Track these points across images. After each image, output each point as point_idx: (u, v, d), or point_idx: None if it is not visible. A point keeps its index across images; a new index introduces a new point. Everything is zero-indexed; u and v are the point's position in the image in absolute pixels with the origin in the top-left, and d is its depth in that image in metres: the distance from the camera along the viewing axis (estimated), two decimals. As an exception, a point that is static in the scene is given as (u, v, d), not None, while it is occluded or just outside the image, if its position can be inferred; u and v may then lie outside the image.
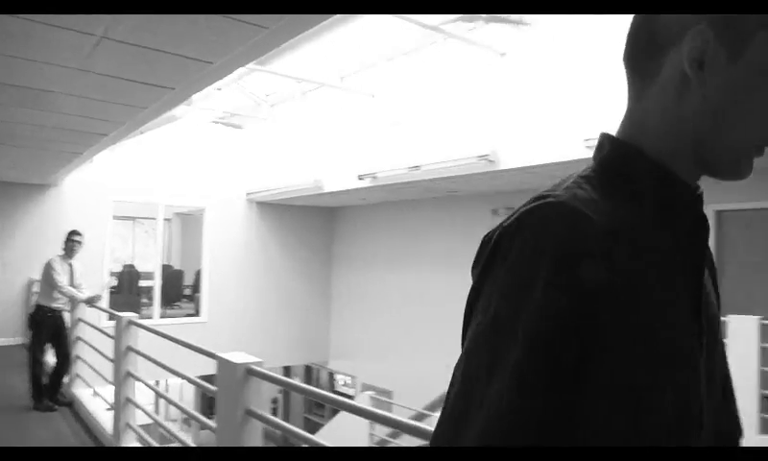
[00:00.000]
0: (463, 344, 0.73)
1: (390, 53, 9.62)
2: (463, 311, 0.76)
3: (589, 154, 0.83)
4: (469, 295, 0.74)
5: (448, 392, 0.70)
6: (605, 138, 0.81)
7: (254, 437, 3.14)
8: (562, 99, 7.06)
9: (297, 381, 16.02)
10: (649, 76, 0.77)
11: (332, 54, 9.68)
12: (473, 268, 0.75)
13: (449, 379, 0.71)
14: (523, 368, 0.63)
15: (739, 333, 5.50)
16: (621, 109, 0.83)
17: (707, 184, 0.81)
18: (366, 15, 7.34)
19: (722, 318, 1.12)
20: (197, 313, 12.72)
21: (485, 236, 0.75)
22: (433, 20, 7.85)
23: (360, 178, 9.46)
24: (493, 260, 0.70)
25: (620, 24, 0.90)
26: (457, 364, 0.70)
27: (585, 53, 6.89)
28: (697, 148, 0.75)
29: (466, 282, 0.73)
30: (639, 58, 0.78)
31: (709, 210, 5.63)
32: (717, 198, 7.69)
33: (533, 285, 0.64)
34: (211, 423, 3.64)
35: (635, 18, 0.78)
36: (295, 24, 3.40)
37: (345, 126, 10.49)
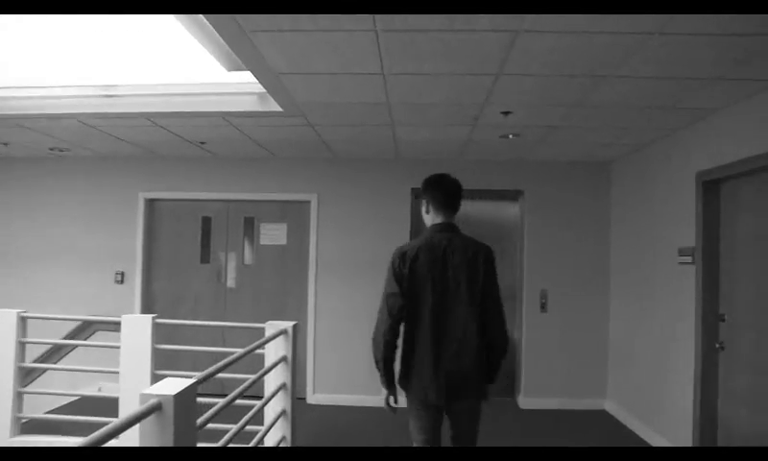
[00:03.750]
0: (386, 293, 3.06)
1: None
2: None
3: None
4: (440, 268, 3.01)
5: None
6: (451, 223, 3.15)
7: None
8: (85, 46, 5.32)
9: None
10: (424, 212, 3.25)
11: None
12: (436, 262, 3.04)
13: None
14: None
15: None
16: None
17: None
18: None
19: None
20: None
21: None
22: None
23: None
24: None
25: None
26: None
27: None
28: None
29: None
30: (421, 212, 3.30)
31: (140, 198, 6.03)
32: (147, 188, 7.08)
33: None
34: None
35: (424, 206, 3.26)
36: None
37: None
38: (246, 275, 6.99)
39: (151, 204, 7.08)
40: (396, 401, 3.07)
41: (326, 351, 6.76)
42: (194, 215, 7.06)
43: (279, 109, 4.51)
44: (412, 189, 6.76)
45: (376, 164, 6.81)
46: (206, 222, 7.06)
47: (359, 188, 6.84)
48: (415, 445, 3.10)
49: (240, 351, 3.59)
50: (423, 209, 3.23)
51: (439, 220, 3.11)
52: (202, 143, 6.03)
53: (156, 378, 4.82)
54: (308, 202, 6.86)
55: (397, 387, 3.07)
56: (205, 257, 7.05)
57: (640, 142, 5.53)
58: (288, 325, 4.54)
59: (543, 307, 6.68)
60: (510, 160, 6.71)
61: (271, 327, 4.51)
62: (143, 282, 7.00)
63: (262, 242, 6.99)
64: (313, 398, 6.75)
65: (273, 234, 6.96)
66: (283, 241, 6.94)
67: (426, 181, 3.21)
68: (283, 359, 4.50)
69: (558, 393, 6.64)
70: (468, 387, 2.96)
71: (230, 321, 6.79)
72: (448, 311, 2.96)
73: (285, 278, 6.94)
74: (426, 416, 3.04)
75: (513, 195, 6.96)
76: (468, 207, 7.05)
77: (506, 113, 4.49)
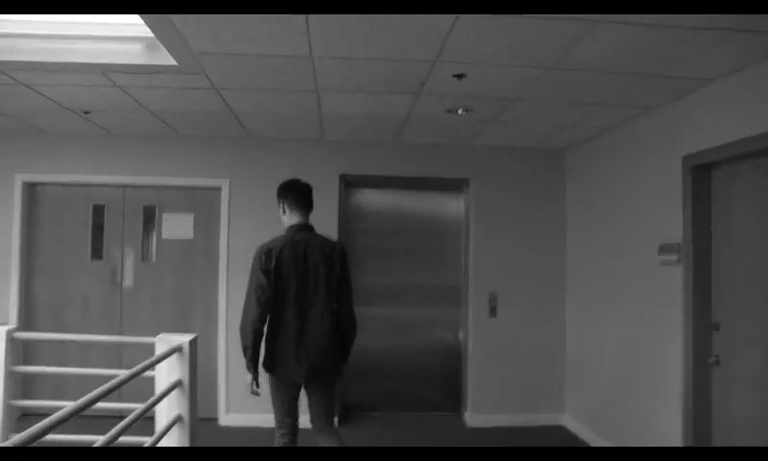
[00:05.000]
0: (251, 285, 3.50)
1: None
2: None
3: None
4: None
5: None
6: (307, 223, 3.60)
7: None
8: None
9: None
10: (281, 213, 3.65)
11: None
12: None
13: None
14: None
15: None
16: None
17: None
18: None
19: None
20: None
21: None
22: None
23: None
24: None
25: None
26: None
27: None
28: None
29: None
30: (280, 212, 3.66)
31: (18, 181, 5.71)
32: (26, 169, 5.88)
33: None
34: None
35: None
36: None
37: None
38: (145, 274, 5.90)
39: (31, 188, 5.88)
40: (258, 386, 3.58)
41: (240, 364, 5.65)
42: (84, 203, 5.91)
43: (173, 63, 3.51)
44: (341, 176, 5.88)
45: (299, 145, 5.86)
46: (99, 211, 5.92)
47: (278, 173, 5.74)
48: (277, 417, 3.61)
49: (124, 374, 2.61)
50: (281, 211, 3.64)
51: (295, 220, 3.57)
52: (86, 112, 4.91)
53: (9, 412, 3.73)
54: (218, 189, 5.85)
55: (260, 371, 3.57)
56: (97, 253, 5.91)
57: (608, 124, 4.85)
58: (184, 339, 3.54)
59: (493, 312, 5.92)
60: (454, 145, 5.92)
61: (162, 342, 3.50)
62: (21, 283, 5.79)
63: (165, 236, 5.90)
64: (226, 418, 5.75)
65: (177, 227, 5.90)
66: (190, 235, 5.89)
67: (280, 186, 3.66)
68: (178, 384, 3.51)
69: (509, 408, 5.90)
70: (324, 368, 3.49)
71: (128, 328, 5.76)
72: (309, 301, 3.44)
73: (192, 277, 5.90)
74: (288, 391, 3.56)
75: (457, 185, 6.16)
76: (405, 199, 6.39)
77: (459, 76, 3.64)
